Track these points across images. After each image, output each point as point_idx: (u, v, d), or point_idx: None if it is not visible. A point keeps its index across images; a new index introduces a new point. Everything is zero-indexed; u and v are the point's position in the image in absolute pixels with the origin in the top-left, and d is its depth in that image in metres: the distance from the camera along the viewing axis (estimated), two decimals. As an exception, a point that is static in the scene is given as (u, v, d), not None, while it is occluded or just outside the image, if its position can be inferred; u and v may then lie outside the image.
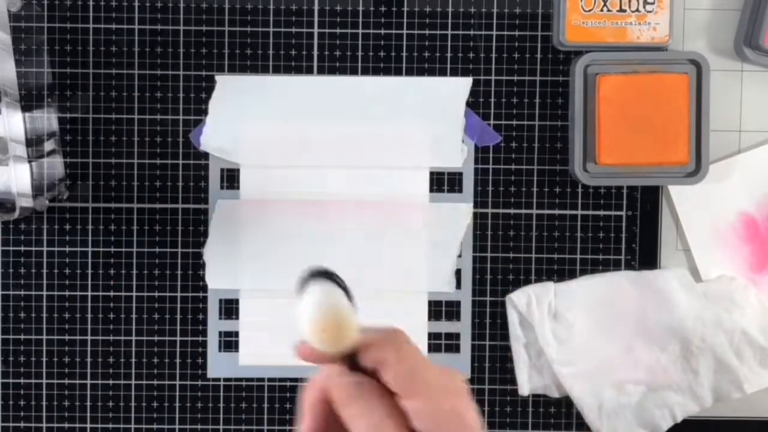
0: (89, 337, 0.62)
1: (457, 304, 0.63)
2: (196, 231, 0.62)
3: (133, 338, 0.62)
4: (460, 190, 0.62)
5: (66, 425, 0.62)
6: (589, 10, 0.60)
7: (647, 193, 0.63)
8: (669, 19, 0.60)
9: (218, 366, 0.63)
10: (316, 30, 0.62)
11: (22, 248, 0.62)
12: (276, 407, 0.63)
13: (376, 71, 0.62)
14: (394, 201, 0.62)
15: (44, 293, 0.62)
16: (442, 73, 0.62)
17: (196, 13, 0.62)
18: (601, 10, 0.60)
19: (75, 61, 0.61)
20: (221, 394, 0.63)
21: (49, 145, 0.61)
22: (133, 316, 0.62)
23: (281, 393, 0.63)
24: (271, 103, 0.62)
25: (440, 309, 0.63)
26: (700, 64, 0.60)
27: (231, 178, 0.62)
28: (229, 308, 0.63)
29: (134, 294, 0.62)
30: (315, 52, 0.62)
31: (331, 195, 0.62)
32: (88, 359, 0.62)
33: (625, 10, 0.60)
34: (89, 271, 0.62)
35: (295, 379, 0.63)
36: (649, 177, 0.61)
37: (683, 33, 0.62)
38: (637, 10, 0.60)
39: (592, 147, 0.61)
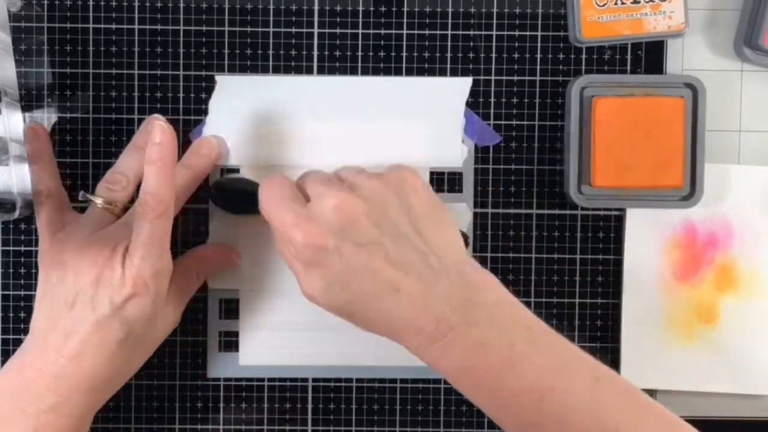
0: (89, 337, 0.62)
1: (457, 303, 0.63)
2: (196, 231, 0.62)
3: (133, 338, 0.62)
4: (460, 190, 0.62)
5: (66, 425, 0.62)
6: (603, 5, 0.60)
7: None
8: (684, 6, 0.60)
9: (218, 366, 0.63)
10: (316, 30, 0.62)
11: (22, 248, 0.62)
12: (276, 407, 0.63)
13: (376, 71, 0.62)
14: (394, 201, 0.62)
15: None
16: (442, 73, 0.62)
17: (196, 13, 0.62)
18: (615, 4, 0.60)
19: (75, 61, 0.61)
20: (221, 394, 0.63)
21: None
22: (133, 316, 0.62)
23: (281, 393, 0.63)
24: (271, 103, 0.62)
25: (440, 309, 0.63)
26: (696, 88, 0.60)
27: (231, 178, 0.62)
28: (229, 308, 0.63)
29: (134, 294, 0.62)
30: (315, 52, 0.62)
31: (331, 195, 0.62)
32: (88, 359, 0.62)
33: (639, 2, 0.60)
34: (89, 271, 0.62)
35: (295, 379, 0.63)
36: (643, 200, 0.61)
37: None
38: (651, 0, 0.60)
39: (587, 169, 0.61)
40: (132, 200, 0.59)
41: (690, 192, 0.61)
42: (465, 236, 0.57)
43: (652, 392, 0.63)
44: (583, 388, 0.50)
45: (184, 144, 0.62)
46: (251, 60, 0.62)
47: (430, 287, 0.50)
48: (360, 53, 0.62)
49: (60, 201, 0.59)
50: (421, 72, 0.62)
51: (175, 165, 0.55)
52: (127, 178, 0.59)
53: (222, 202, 0.61)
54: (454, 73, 0.62)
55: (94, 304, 0.54)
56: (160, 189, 0.54)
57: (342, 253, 0.50)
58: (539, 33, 0.62)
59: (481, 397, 0.52)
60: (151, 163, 0.54)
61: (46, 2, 0.61)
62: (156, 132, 0.54)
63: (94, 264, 0.54)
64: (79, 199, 0.59)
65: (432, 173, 0.62)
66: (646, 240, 0.62)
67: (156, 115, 0.61)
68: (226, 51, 0.62)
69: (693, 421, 0.63)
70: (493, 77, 0.62)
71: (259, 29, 0.62)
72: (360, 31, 0.62)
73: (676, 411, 0.63)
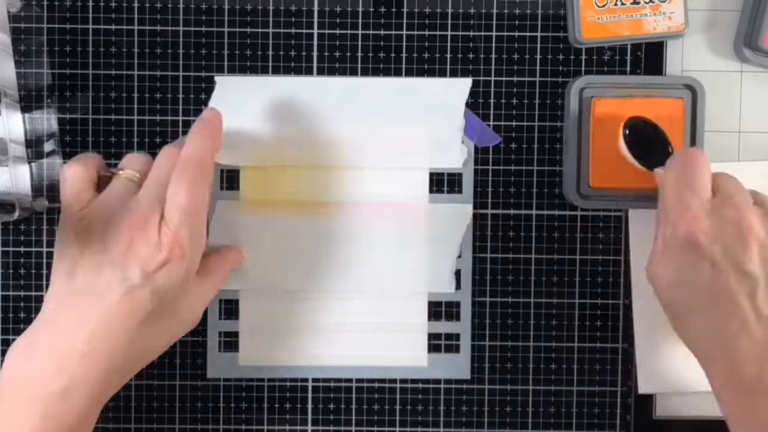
0: (89, 338, 0.62)
1: (457, 304, 0.63)
2: (195, 231, 0.62)
3: (133, 338, 0.62)
4: (460, 191, 0.62)
5: (66, 425, 0.62)
6: (603, 6, 0.60)
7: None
8: (683, 7, 0.60)
9: (218, 366, 0.63)
10: (316, 30, 0.62)
11: (22, 248, 0.62)
12: (276, 407, 0.63)
13: (376, 71, 0.62)
14: (393, 202, 0.62)
15: (44, 293, 0.62)
16: (442, 73, 0.62)
17: (196, 14, 0.62)
18: (615, 5, 0.60)
19: (75, 61, 0.61)
20: (221, 394, 0.63)
21: (48, 146, 0.61)
22: (133, 316, 0.62)
23: (281, 393, 0.63)
24: (271, 103, 0.62)
25: (440, 309, 0.63)
26: (695, 89, 0.60)
27: (231, 179, 0.62)
28: (229, 308, 0.63)
29: (134, 294, 0.62)
30: (315, 53, 0.62)
31: (331, 195, 0.62)
32: (88, 359, 0.62)
33: (638, 2, 0.60)
34: (89, 272, 0.62)
35: (295, 379, 0.63)
36: (641, 201, 0.61)
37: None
38: (651, 1, 0.60)
39: (585, 170, 0.61)
40: None
41: None
42: None
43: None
44: None
45: (183, 144, 0.62)
46: (251, 60, 0.62)
47: None
48: (360, 53, 0.62)
49: (93, 183, 0.56)
50: (421, 72, 0.62)
51: (219, 140, 0.56)
52: (143, 159, 0.57)
53: (633, 145, 0.59)
54: (454, 73, 0.62)
55: (124, 272, 0.51)
56: (204, 153, 0.54)
57: (714, 265, 0.49)
58: (539, 33, 0.62)
59: None
60: (196, 132, 0.55)
61: (46, 2, 0.61)
62: (208, 113, 0.56)
63: (126, 232, 0.52)
64: (101, 174, 0.57)
65: (432, 174, 0.62)
66: (652, 243, 0.62)
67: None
68: (226, 51, 0.62)
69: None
70: (493, 78, 0.62)
71: (259, 29, 0.62)
72: (360, 31, 0.62)
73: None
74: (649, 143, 0.59)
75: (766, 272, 0.49)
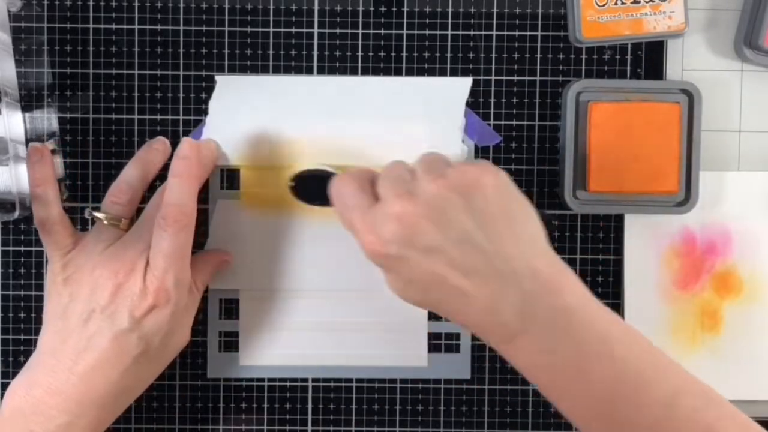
0: (89, 337, 0.62)
1: (457, 303, 0.63)
2: (196, 231, 0.62)
3: (133, 338, 0.62)
4: (460, 190, 0.62)
5: (66, 425, 0.62)
6: (603, 5, 0.60)
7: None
8: (684, 7, 0.60)
9: (218, 366, 0.63)
10: (316, 30, 0.62)
11: (22, 248, 0.62)
12: (276, 407, 0.63)
13: (376, 71, 0.62)
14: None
15: (44, 293, 0.62)
16: (442, 73, 0.62)
17: (196, 13, 0.62)
18: (615, 4, 0.60)
19: (75, 61, 0.61)
20: (221, 394, 0.63)
21: (49, 145, 0.61)
22: (133, 316, 0.62)
23: (281, 393, 0.63)
24: (272, 103, 0.62)
25: (440, 309, 0.63)
26: (692, 94, 0.60)
27: (231, 178, 0.62)
28: (229, 308, 0.63)
29: (134, 294, 0.62)
30: (315, 52, 0.62)
31: (331, 195, 0.62)
32: (88, 359, 0.62)
33: (639, 2, 0.60)
34: (89, 271, 0.62)
35: (295, 379, 0.63)
36: (638, 206, 0.61)
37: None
38: (651, 0, 0.60)
39: (582, 174, 0.61)
40: (137, 213, 0.59)
41: (685, 198, 0.61)
42: (550, 223, 0.55)
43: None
44: (655, 403, 0.48)
45: (184, 144, 0.62)
46: (251, 60, 0.62)
47: (496, 292, 0.49)
48: (360, 53, 0.62)
49: (65, 222, 0.58)
50: (421, 72, 0.62)
51: (198, 179, 0.57)
52: (131, 188, 0.59)
53: (301, 194, 0.60)
54: (454, 73, 0.62)
55: (112, 318, 0.54)
56: (184, 201, 0.55)
57: (407, 261, 0.50)
58: (539, 33, 0.62)
59: (552, 398, 0.52)
60: (176, 175, 0.56)
61: (46, 2, 0.61)
62: (184, 147, 0.56)
63: (113, 278, 0.55)
64: (86, 216, 0.59)
65: (432, 173, 0.62)
66: (646, 250, 0.62)
67: (163, 138, 0.61)
68: (226, 51, 0.62)
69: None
70: (493, 77, 0.62)
71: (259, 29, 0.62)
72: (360, 31, 0.62)
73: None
74: (315, 184, 0.59)
75: (445, 234, 0.49)
